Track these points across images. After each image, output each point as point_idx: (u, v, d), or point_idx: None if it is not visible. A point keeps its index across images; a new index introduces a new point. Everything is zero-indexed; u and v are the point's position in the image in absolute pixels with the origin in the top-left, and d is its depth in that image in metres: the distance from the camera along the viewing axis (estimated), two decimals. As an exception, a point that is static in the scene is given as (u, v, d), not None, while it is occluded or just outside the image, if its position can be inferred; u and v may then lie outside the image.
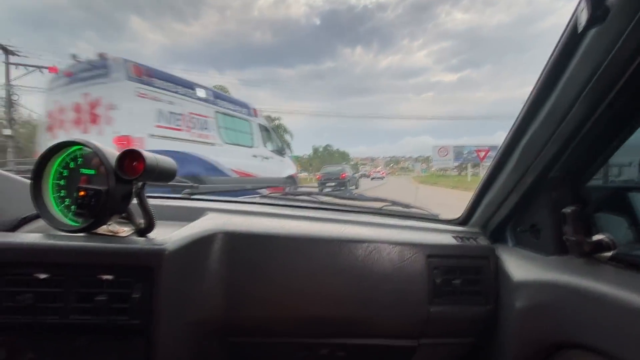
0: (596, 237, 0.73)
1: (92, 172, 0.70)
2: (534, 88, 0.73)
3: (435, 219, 1.20)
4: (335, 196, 1.39)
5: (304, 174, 52.47)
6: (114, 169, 0.67)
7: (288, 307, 0.86)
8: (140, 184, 0.71)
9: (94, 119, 4.06)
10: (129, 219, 0.74)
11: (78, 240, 0.67)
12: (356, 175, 24.17)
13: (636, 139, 0.70)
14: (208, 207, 1.00)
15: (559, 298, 0.73)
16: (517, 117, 0.79)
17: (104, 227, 0.72)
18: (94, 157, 0.69)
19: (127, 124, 4.06)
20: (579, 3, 0.58)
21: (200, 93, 5.44)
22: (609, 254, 0.71)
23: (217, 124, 5.65)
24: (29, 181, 0.74)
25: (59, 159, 0.72)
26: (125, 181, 0.68)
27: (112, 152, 0.69)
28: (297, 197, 1.31)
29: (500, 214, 0.99)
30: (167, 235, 0.74)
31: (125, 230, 0.74)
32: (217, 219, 0.91)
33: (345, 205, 1.26)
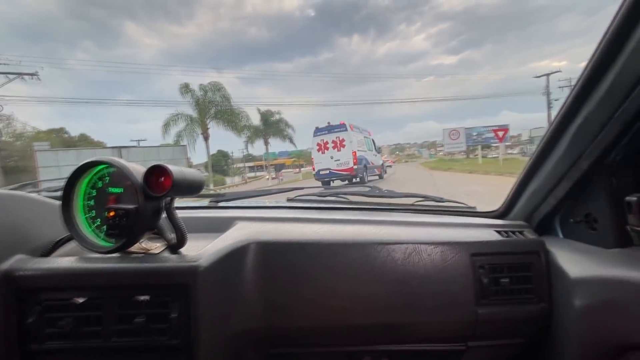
0: None
1: (119, 190, 0.70)
2: (588, 62, 0.65)
3: (472, 212, 1.15)
4: (364, 194, 1.28)
5: (308, 168, 52.19)
6: (142, 186, 0.67)
7: (328, 315, 0.84)
8: (168, 198, 0.70)
9: (341, 145, 11.96)
10: (159, 234, 0.74)
11: (112, 262, 0.68)
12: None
13: None
14: (236, 216, 0.98)
15: (626, 295, 0.67)
16: (567, 97, 0.73)
17: (136, 244, 0.72)
18: (121, 175, 0.68)
19: (352, 147, 12.16)
20: None
21: (360, 131, 13.97)
22: None
23: (365, 142, 14.08)
24: (59, 203, 0.74)
25: (87, 179, 0.72)
26: (154, 197, 0.68)
27: (138, 168, 0.69)
28: (325, 198, 1.27)
29: (548, 204, 0.93)
30: (200, 250, 0.74)
31: (157, 246, 0.74)
32: (248, 228, 0.90)
33: (375, 204, 1.23)
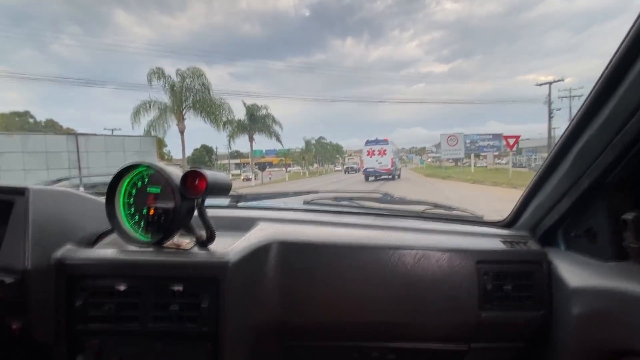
0: None
1: (157, 190, 0.76)
2: (592, 89, 0.71)
3: (480, 222, 1.19)
4: (377, 200, 1.30)
5: (296, 168, 50.27)
6: (179, 188, 0.72)
7: (340, 312, 0.89)
8: (200, 199, 0.75)
9: (383, 154, 18.93)
10: (190, 231, 0.79)
11: (150, 254, 0.75)
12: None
13: None
14: (257, 217, 1.03)
15: (620, 305, 0.72)
16: (573, 119, 0.78)
17: (169, 240, 0.78)
18: (160, 177, 0.74)
19: (390, 156, 19.45)
20: None
21: (394, 144, 22.24)
22: None
23: (395, 152, 22.23)
24: (101, 200, 0.83)
25: (128, 179, 0.78)
26: (189, 198, 0.73)
27: (176, 171, 0.74)
28: (339, 203, 1.31)
29: (552, 217, 0.97)
30: (226, 247, 0.80)
31: (187, 242, 0.80)
32: (269, 228, 0.95)
33: (387, 210, 1.26)
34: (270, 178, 25.54)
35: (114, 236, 0.82)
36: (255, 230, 0.94)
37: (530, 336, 0.94)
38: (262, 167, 22.32)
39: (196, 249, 0.79)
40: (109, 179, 0.78)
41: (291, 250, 0.88)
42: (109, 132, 24.75)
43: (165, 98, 18.08)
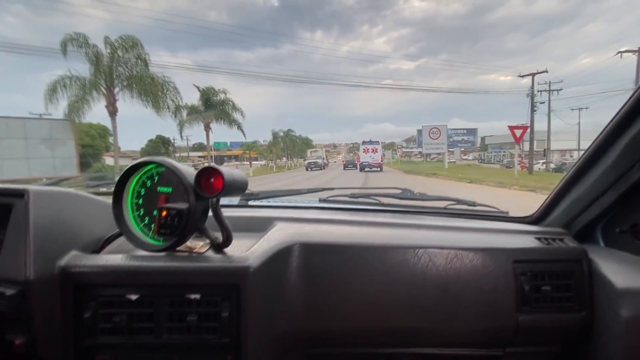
0: None
1: (168, 190, 0.71)
2: None
3: (507, 218, 1.15)
4: (396, 196, 1.28)
5: (262, 162, 46.53)
6: (193, 187, 0.68)
7: (367, 318, 0.84)
8: (214, 199, 0.71)
9: (375, 151, 24.39)
10: (203, 234, 0.74)
11: (163, 260, 0.69)
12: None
13: None
14: (272, 216, 0.99)
15: None
16: (621, 109, 0.73)
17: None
18: (171, 175, 0.70)
19: (380, 153, 25.30)
20: None
21: (382, 144, 27.93)
22: None
23: (383, 150, 29.50)
24: (107, 201, 0.77)
25: (136, 178, 0.73)
26: (204, 198, 0.69)
27: (189, 169, 0.70)
28: (357, 200, 1.27)
29: (592, 212, 0.93)
30: (245, 250, 0.76)
31: (201, 245, 0.75)
32: (288, 229, 0.91)
33: (406, 207, 1.23)
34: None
35: (122, 240, 0.77)
36: (274, 231, 0.89)
37: (569, 340, 0.90)
38: (219, 160, 18.70)
39: (212, 253, 0.75)
40: (115, 178, 0.73)
41: (314, 253, 0.84)
42: (37, 116, 20.01)
43: (87, 72, 14.00)
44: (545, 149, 22.81)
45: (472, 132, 36.59)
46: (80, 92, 14.10)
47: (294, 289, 0.81)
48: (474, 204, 1.21)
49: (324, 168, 31.68)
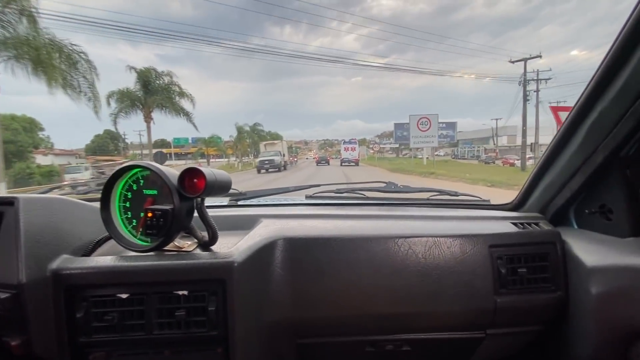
0: None
1: (154, 192, 0.73)
2: (603, 59, 0.71)
3: (487, 206, 1.19)
4: (380, 190, 1.30)
5: (224, 160, 42.52)
6: (177, 188, 0.70)
7: (352, 306, 0.87)
8: (199, 199, 0.73)
9: (353, 150, 30.00)
10: (190, 233, 0.77)
11: (151, 259, 0.71)
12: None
13: None
14: (259, 214, 1.01)
15: None
16: (582, 94, 0.78)
17: (170, 243, 0.75)
18: (156, 178, 0.72)
19: (358, 151, 30.62)
20: None
21: (358, 143, 34.24)
22: None
23: (360, 148, 35.92)
24: (95, 205, 0.79)
25: (122, 183, 0.75)
26: (188, 198, 0.71)
27: (172, 171, 0.72)
28: (342, 195, 1.28)
29: (563, 195, 0.97)
30: (230, 247, 0.78)
31: (188, 244, 0.77)
32: (273, 225, 0.93)
33: (391, 199, 1.26)
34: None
35: (112, 243, 0.79)
36: (259, 227, 0.92)
37: (548, 319, 0.93)
38: (160, 157, 14.45)
39: (199, 251, 0.76)
40: (103, 182, 0.75)
41: (298, 246, 0.86)
42: None
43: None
44: (533, 143, 20.46)
45: (451, 126, 34.36)
46: None
47: (279, 281, 0.82)
48: (456, 194, 1.26)
49: (284, 169, 23.16)
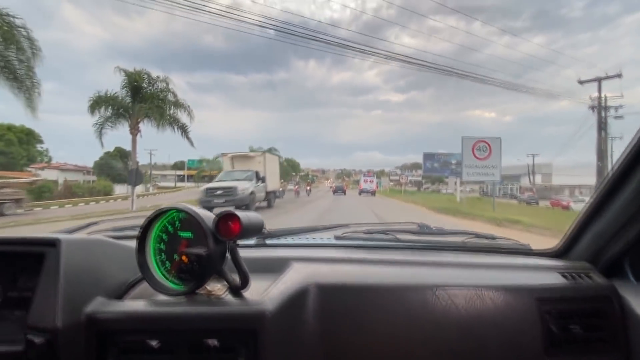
0: None
1: (189, 234, 0.73)
2: None
3: (528, 252, 1.14)
4: (412, 232, 1.25)
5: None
6: (212, 231, 0.70)
7: None
8: (232, 242, 0.73)
9: (371, 181, 34.65)
10: (221, 276, 0.75)
11: (183, 306, 0.71)
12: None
13: None
14: (289, 256, 0.99)
15: None
16: (635, 136, 0.73)
17: None
18: (192, 220, 0.72)
19: (375, 183, 36.69)
20: None
21: (376, 175, 49.68)
22: None
23: (376, 180, 45.61)
24: (130, 245, 0.79)
25: (159, 224, 0.75)
26: (222, 241, 0.71)
27: (208, 214, 0.73)
28: (373, 236, 1.25)
29: (617, 244, 0.90)
30: (260, 292, 0.76)
31: (219, 288, 0.75)
32: (304, 269, 0.90)
33: (424, 242, 1.20)
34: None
35: (144, 285, 0.78)
36: (290, 272, 0.88)
37: None
38: (134, 175, 10.87)
39: (229, 296, 0.75)
40: (139, 222, 0.77)
41: (330, 294, 0.82)
42: None
43: None
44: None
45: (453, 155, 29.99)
46: None
47: (311, 332, 0.79)
48: (493, 238, 1.21)
49: (267, 203, 14.30)
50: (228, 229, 0.69)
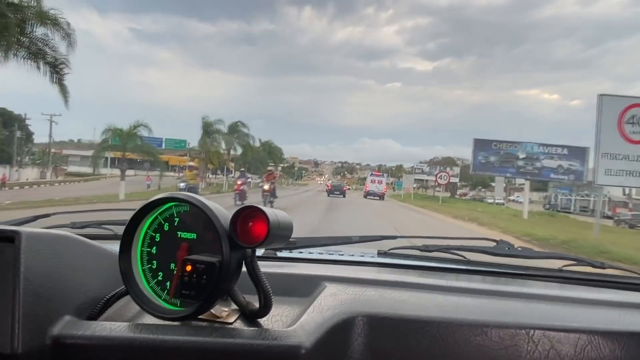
0: None
1: (192, 235, 0.69)
2: None
3: None
4: (487, 251, 1.22)
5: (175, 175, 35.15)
6: (228, 233, 0.65)
7: None
8: (249, 250, 0.69)
9: (380, 183, 42.49)
10: (231, 296, 0.73)
11: (180, 333, 0.66)
12: None
13: None
14: (320, 274, 0.99)
15: None
16: None
17: None
18: (198, 215, 0.68)
19: (384, 184, 44.55)
20: None
21: (385, 176, 55.82)
22: None
23: (385, 181, 54.26)
24: (109, 248, 0.78)
25: (150, 220, 0.72)
26: (240, 248, 0.67)
27: (221, 209, 0.69)
28: (431, 255, 1.25)
29: None
30: (288, 320, 0.76)
31: (227, 311, 0.72)
32: (343, 293, 0.88)
33: (506, 266, 1.20)
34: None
35: (128, 301, 0.75)
36: (324, 296, 0.85)
37: None
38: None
39: (243, 324, 0.71)
40: (119, 215, 0.79)
41: (383, 329, 0.78)
42: None
43: None
44: None
45: (578, 154, 24.21)
46: None
47: None
48: (602, 266, 1.20)
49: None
50: (250, 232, 0.64)
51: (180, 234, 0.69)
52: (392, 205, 28.94)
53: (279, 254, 1.15)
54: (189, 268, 0.65)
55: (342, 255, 1.24)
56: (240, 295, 0.72)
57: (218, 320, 0.70)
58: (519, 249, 1.24)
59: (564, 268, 1.17)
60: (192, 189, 16.82)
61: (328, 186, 43.46)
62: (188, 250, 0.68)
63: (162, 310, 0.69)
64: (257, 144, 50.27)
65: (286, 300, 0.83)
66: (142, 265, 0.72)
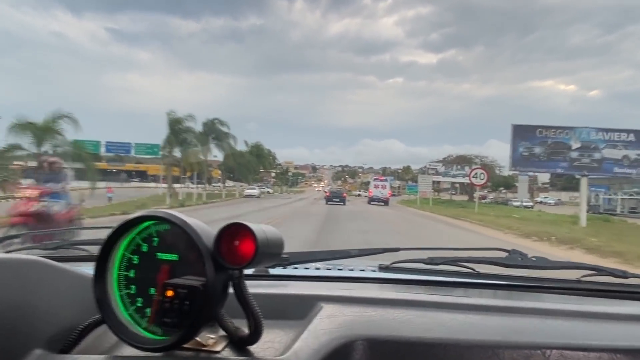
0: None
1: (173, 257, 0.67)
2: None
3: None
4: (499, 263, 1.21)
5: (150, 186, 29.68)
6: (212, 253, 0.63)
7: None
8: (237, 271, 0.67)
9: (383, 187, 42.27)
10: (218, 321, 0.70)
11: None
12: None
13: None
14: (315, 294, 0.96)
15: None
16: None
17: None
18: (179, 235, 0.66)
19: (388, 189, 44.36)
20: None
21: (389, 180, 60.79)
22: None
23: (390, 185, 57.10)
24: (81, 272, 0.78)
25: (127, 240, 0.70)
26: (224, 269, 0.64)
27: (203, 227, 0.67)
28: (438, 268, 1.23)
29: None
30: (280, 347, 0.74)
31: (214, 339, 0.70)
32: (341, 314, 0.86)
33: (520, 279, 1.21)
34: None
35: (104, 331, 0.72)
36: (320, 318, 0.83)
37: None
38: None
39: (230, 353, 0.69)
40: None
41: (386, 354, 0.77)
42: None
43: None
44: None
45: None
46: None
47: None
48: (624, 275, 1.19)
49: None
50: (236, 252, 0.62)
51: (160, 256, 0.66)
52: (409, 216, 23.94)
53: (272, 271, 1.14)
54: (170, 293, 0.62)
55: (341, 270, 1.25)
56: (229, 320, 0.69)
57: (204, 349, 0.67)
58: (533, 258, 1.23)
59: (583, 279, 1.17)
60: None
61: (326, 193, 43.81)
62: (169, 273, 0.65)
63: (142, 340, 0.66)
64: (245, 147, 46.13)
65: (279, 324, 0.81)
66: (120, 290, 0.68)
